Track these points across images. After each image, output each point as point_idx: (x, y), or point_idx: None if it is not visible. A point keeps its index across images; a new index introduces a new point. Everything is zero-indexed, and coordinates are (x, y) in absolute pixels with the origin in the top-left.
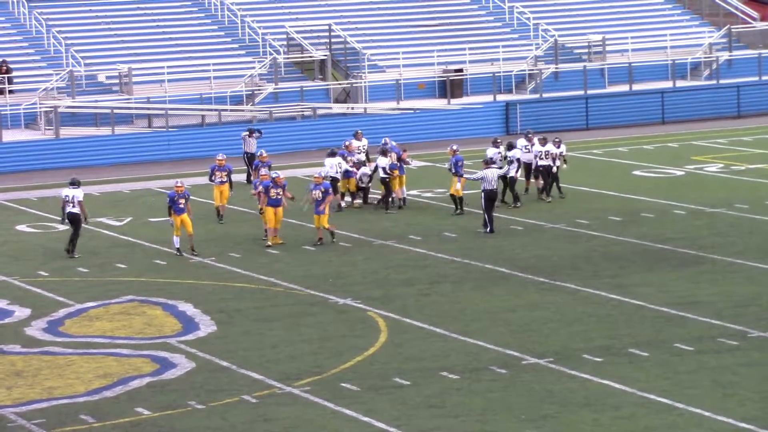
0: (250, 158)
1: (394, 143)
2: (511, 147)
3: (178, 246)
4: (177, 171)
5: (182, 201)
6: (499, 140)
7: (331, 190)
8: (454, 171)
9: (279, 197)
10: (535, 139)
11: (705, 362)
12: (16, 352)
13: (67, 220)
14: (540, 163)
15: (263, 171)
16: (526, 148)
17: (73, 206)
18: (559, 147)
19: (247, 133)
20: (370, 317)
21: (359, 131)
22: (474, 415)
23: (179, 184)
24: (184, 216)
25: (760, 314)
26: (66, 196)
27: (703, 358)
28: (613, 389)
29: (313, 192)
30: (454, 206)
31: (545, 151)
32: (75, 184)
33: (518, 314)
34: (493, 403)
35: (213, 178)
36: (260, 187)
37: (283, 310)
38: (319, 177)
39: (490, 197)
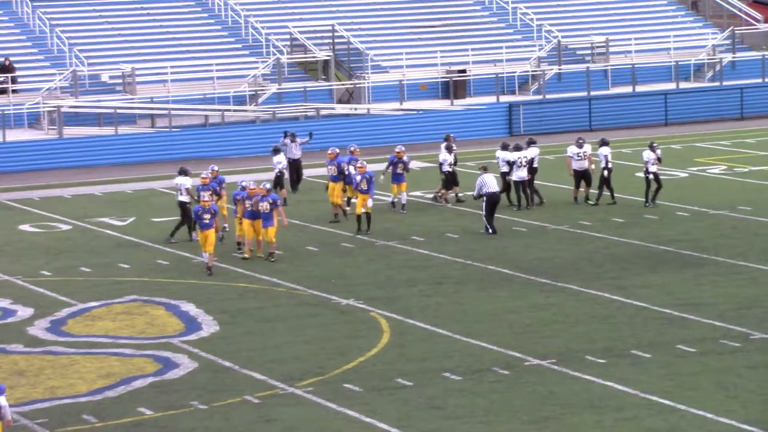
0: (294, 165)
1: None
2: (518, 148)
3: (208, 263)
4: None
5: (207, 216)
6: (534, 140)
7: (279, 201)
8: (364, 189)
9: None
10: (587, 145)
11: (707, 364)
12: (19, 351)
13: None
14: (576, 165)
15: (205, 196)
16: (578, 156)
17: (181, 194)
18: (655, 151)
19: (289, 138)
20: (372, 318)
21: (451, 135)
22: (476, 416)
23: (206, 199)
24: (210, 232)
25: (762, 316)
26: (177, 184)
27: (706, 359)
28: (616, 391)
29: (260, 204)
30: (359, 225)
31: (583, 153)
32: (184, 172)
33: (521, 315)
34: (496, 405)
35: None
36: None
37: (286, 311)
38: (264, 189)
39: (493, 201)
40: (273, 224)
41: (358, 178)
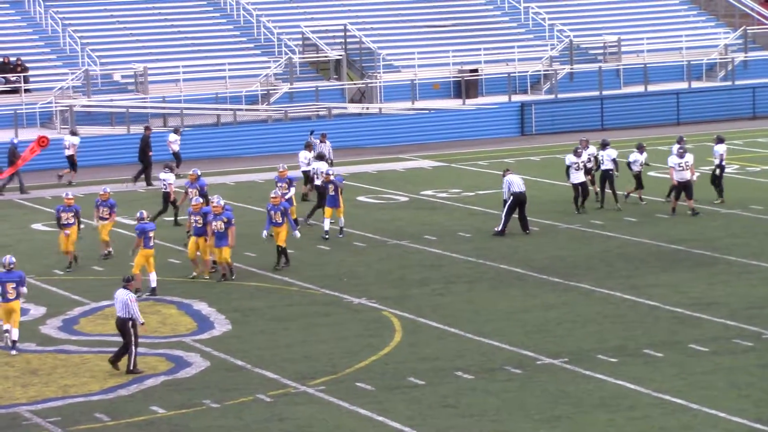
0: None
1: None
2: (578, 153)
3: (154, 285)
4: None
5: (152, 233)
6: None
7: (233, 220)
8: (279, 222)
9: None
10: (689, 155)
11: (720, 363)
12: (32, 350)
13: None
14: (678, 176)
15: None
16: (680, 166)
17: (318, 177)
18: None
19: (319, 137)
20: (384, 317)
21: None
22: (488, 415)
23: (142, 216)
24: (151, 252)
25: None
26: (315, 169)
27: (718, 358)
28: (628, 390)
29: (214, 223)
30: (277, 259)
31: (685, 163)
32: (321, 157)
33: (533, 314)
34: (508, 403)
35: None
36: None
37: (298, 310)
38: (219, 206)
39: (520, 199)
40: (227, 244)
41: (272, 212)
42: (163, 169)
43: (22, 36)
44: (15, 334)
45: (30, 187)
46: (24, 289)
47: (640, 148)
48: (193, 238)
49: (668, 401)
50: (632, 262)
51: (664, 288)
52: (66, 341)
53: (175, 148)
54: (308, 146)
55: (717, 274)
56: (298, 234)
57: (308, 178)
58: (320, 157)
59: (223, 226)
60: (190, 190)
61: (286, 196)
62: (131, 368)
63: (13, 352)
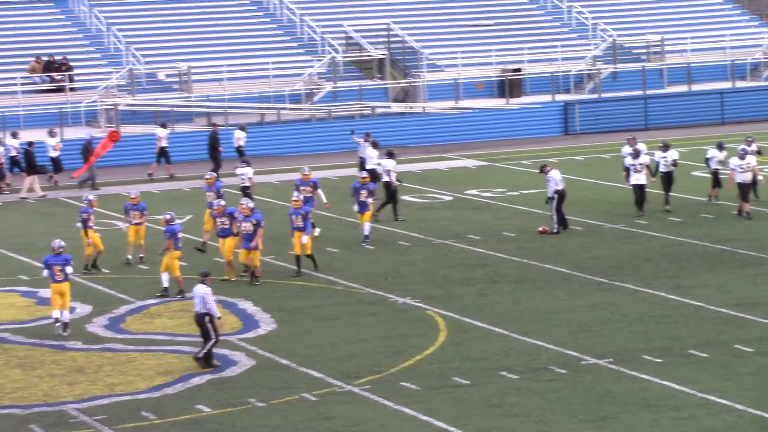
0: (363, 163)
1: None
2: (638, 153)
3: (165, 285)
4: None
5: (180, 235)
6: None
7: (263, 222)
8: (300, 226)
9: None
10: (750, 156)
11: (765, 364)
12: (78, 348)
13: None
14: (739, 178)
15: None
16: (740, 168)
17: (387, 175)
18: None
19: (363, 137)
20: (429, 316)
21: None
22: (533, 415)
23: (171, 217)
24: (179, 254)
25: None
26: (383, 166)
27: (764, 359)
28: (673, 390)
29: (243, 225)
30: (314, 263)
31: (746, 164)
32: (390, 154)
33: (578, 314)
34: (553, 404)
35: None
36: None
37: (343, 309)
38: (247, 208)
39: (563, 196)
40: (258, 247)
41: (293, 216)
42: (240, 164)
43: (67, 35)
44: (66, 316)
45: (101, 184)
46: (69, 269)
47: (720, 147)
48: (221, 240)
49: (714, 402)
50: (677, 262)
51: (709, 288)
52: (112, 339)
53: (241, 143)
54: (375, 144)
55: (762, 274)
56: (305, 239)
57: (374, 176)
58: (390, 154)
59: (252, 228)
60: (207, 193)
61: (323, 200)
62: (207, 361)
63: (66, 332)
